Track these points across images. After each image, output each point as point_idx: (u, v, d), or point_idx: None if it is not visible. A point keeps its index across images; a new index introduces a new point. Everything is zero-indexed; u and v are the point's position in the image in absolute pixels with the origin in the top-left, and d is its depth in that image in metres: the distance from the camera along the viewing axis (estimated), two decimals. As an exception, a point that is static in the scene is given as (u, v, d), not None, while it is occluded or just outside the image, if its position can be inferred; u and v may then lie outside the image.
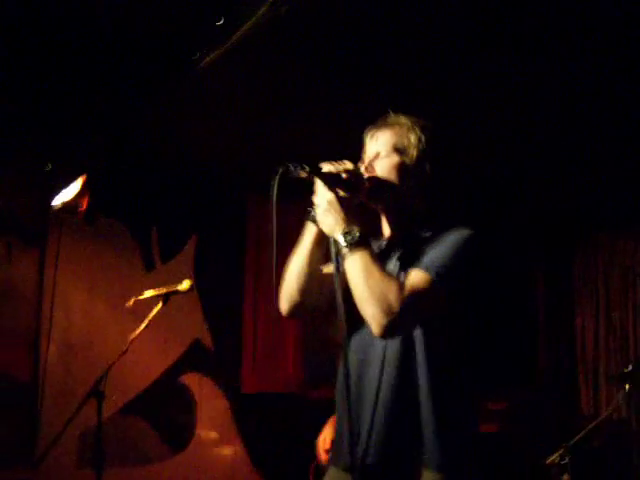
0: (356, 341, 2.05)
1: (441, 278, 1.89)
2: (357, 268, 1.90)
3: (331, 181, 1.99)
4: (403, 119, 2.16)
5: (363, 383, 2.02)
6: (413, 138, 2.11)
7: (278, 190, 1.91)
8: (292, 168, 1.93)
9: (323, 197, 1.98)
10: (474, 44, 3.52)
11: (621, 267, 5.84)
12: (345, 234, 1.93)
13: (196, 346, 5.28)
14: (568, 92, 4.03)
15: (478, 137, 4.68)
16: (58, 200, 4.31)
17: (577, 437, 4.03)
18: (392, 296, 1.83)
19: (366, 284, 1.87)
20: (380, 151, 2.12)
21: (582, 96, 4.08)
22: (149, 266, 5.17)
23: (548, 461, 4.13)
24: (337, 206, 1.95)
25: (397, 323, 1.85)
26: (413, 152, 2.10)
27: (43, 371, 4.56)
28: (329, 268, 2.10)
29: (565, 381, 6.01)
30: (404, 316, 1.84)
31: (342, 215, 1.95)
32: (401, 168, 2.09)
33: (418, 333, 1.97)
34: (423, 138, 2.11)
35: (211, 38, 3.33)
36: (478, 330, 2.09)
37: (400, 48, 3.55)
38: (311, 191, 2.04)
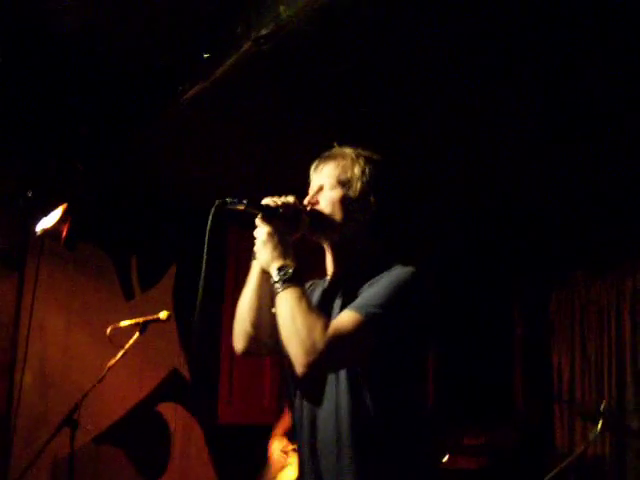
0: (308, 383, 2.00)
1: (371, 319, 1.81)
2: (285, 305, 1.85)
3: (268, 215, 1.95)
4: (347, 151, 2.11)
5: (318, 427, 1.97)
6: (357, 170, 2.06)
7: (212, 223, 1.96)
8: (229, 201, 1.93)
9: (260, 231, 1.96)
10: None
11: (597, 305, 5.89)
12: (278, 269, 1.89)
13: (173, 376, 5.26)
14: (540, 127, 4.08)
15: (455, 175, 4.74)
16: (39, 226, 4.31)
17: (551, 474, 4.05)
18: (316, 335, 1.77)
19: (292, 322, 1.81)
20: (323, 184, 2.08)
21: (562, 137, 4.14)
22: (128, 294, 5.17)
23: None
24: (273, 240, 1.92)
25: (319, 362, 1.78)
26: (357, 185, 2.05)
27: (17, 399, 4.52)
28: None
29: (541, 417, 6.03)
30: (327, 355, 1.77)
31: (277, 250, 1.92)
32: (344, 201, 2.04)
33: (357, 374, 1.91)
34: (367, 170, 2.06)
35: (196, 71, 3.39)
36: (422, 368, 2.06)
37: (379, 86, 3.61)
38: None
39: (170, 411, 5.21)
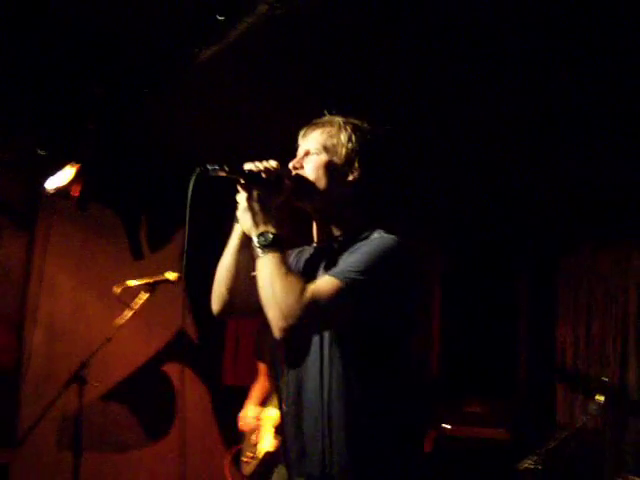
0: (292, 354, 2.03)
1: (350, 284, 1.82)
2: (265, 270, 1.86)
3: (250, 180, 1.94)
4: (336, 118, 2.11)
5: (302, 389, 2.00)
6: (343, 137, 2.06)
7: (193, 190, 1.95)
8: (210, 167, 1.92)
9: (242, 197, 1.95)
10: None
11: (603, 280, 5.89)
12: (259, 235, 1.89)
13: (180, 337, 5.30)
14: (552, 102, 4.06)
15: (462, 150, 4.73)
16: (50, 185, 4.32)
17: (551, 444, 4.08)
18: (292, 299, 1.78)
19: (271, 286, 1.82)
20: (309, 149, 2.08)
21: (566, 107, 4.12)
22: (137, 255, 5.20)
23: (522, 467, 4.19)
24: (254, 207, 1.92)
25: (295, 326, 1.79)
26: (342, 151, 2.05)
27: (27, 355, 4.57)
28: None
29: (543, 390, 6.07)
30: (304, 319, 1.79)
31: (259, 216, 1.91)
32: (328, 167, 2.04)
33: (342, 339, 1.93)
34: (353, 137, 2.05)
35: (211, 34, 3.37)
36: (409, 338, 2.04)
37: (395, 53, 3.59)
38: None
39: (176, 371, 5.26)
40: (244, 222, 1.96)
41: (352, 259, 1.89)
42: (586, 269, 6.03)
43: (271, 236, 1.88)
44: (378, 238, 1.96)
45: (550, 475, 4.27)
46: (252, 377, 5.31)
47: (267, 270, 1.85)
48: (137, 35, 3.57)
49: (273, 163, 1.98)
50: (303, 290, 1.80)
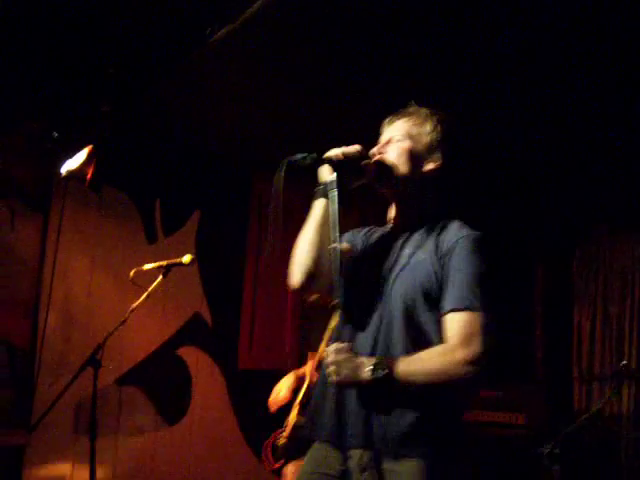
0: (357, 318, 2.05)
1: (482, 306, 1.93)
2: (411, 380, 1.91)
3: (337, 166, 2.02)
4: (423, 109, 2.18)
5: None
6: (428, 126, 2.14)
7: (283, 181, 1.96)
8: (299, 157, 1.99)
9: (329, 357, 1.93)
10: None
11: (620, 265, 5.84)
12: (372, 374, 1.89)
13: (195, 320, 5.30)
14: (572, 93, 4.03)
15: (483, 133, 4.68)
16: (64, 168, 4.31)
17: (569, 429, 4.05)
18: (457, 356, 1.89)
19: (435, 377, 1.91)
20: (393, 136, 2.15)
21: (585, 98, 4.08)
22: (152, 238, 5.19)
23: (540, 451, 4.16)
24: (344, 358, 1.91)
25: (481, 366, 1.90)
26: (425, 139, 2.13)
27: (42, 338, 4.58)
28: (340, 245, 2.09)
29: (560, 375, 6.03)
30: (482, 358, 1.89)
31: (353, 363, 1.91)
32: (411, 153, 2.11)
33: (418, 323, 1.99)
34: (439, 127, 2.14)
35: (224, 14, 3.32)
36: None
37: (415, 39, 3.53)
38: (316, 174, 2.09)
39: (191, 355, 5.26)
40: (345, 373, 1.92)
41: (460, 281, 1.96)
42: (602, 255, 5.97)
43: (385, 370, 1.89)
44: (473, 240, 2.03)
45: (568, 460, 4.24)
46: (267, 361, 5.32)
47: (414, 378, 1.91)
48: (150, 16, 3.52)
49: (356, 147, 2.06)
50: (448, 346, 1.91)
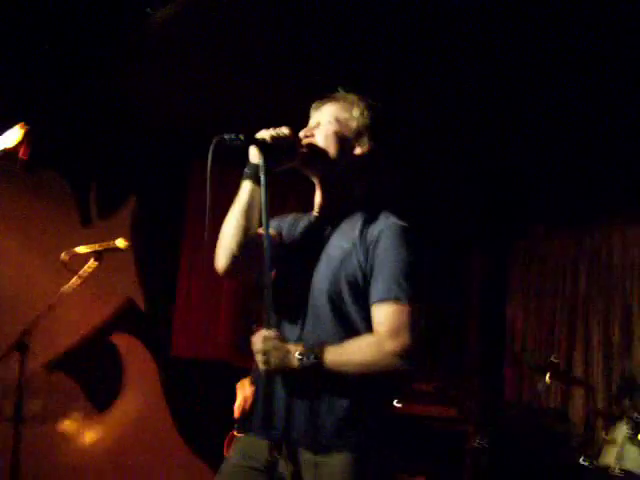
0: (282, 308, 2.03)
1: (409, 297, 1.93)
2: (339, 369, 1.91)
3: (265, 148, 2.00)
4: (350, 95, 2.18)
5: None
6: (355, 112, 2.14)
7: (213, 159, 1.95)
8: (227, 137, 1.96)
9: (257, 344, 1.92)
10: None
11: (555, 259, 5.96)
12: (300, 361, 1.89)
13: (128, 306, 5.22)
14: (526, 88, 4.07)
15: (430, 124, 4.71)
16: (-1, 146, 4.17)
17: (497, 422, 4.13)
18: (387, 347, 1.90)
19: (359, 366, 1.92)
20: (321, 120, 2.15)
21: (536, 94, 4.13)
22: (86, 221, 5.09)
23: (470, 445, 4.23)
24: (272, 345, 1.91)
25: (412, 358, 1.91)
26: (353, 124, 2.13)
27: (-33, 321, 4.45)
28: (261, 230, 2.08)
29: (491, 369, 6.13)
30: (412, 350, 1.90)
31: (281, 351, 1.91)
32: (339, 137, 2.11)
33: (344, 314, 1.99)
34: (366, 113, 2.14)
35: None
36: None
37: (363, 23, 3.52)
38: (246, 155, 2.07)
39: (124, 341, 5.19)
40: (273, 360, 1.91)
41: (389, 272, 1.96)
42: (538, 249, 6.09)
43: (313, 358, 1.89)
44: (398, 229, 2.02)
45: (497, 453, 4.32)
46: (201, 350, 5.24)
47: (342, 367, 1.91)
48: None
49: (286, 130, 2.05)
50: (379, 336, 1.92)
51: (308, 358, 1.89)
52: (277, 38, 3.74)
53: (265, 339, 1.91)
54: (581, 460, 4.00)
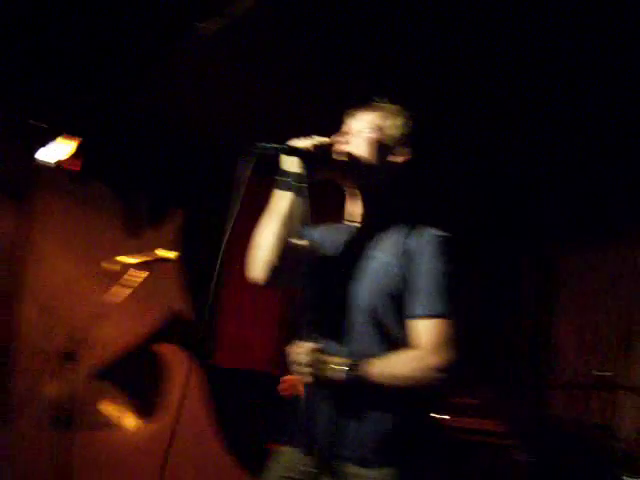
0: (323, 321, 2.01)
1: (449, 311, 1.93)
2: (381, 381, 1.90)
3: (302, 156, 1.98)
4: (390, 104, 2.17)
5: None
6: (396, 120, 2.13)
7: (252, 168, 1.93)
8: (263, 145, 1.95)
9: (304, 350, 1.91)
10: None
11: (605, 274, 5.86)
12: (344, 372, 1.89)
13: (174, 316, 5.26)
14: (566, 104, 4.04)
15: (475, 140, 4.69)
16: (49, 158, 4.27)
17: (543, 436, 4.07)
18: (429, 361, 1.89)
19: (399, 378, 1.90)
20: (361, 129, 2.11)
21: (586, 104, 4.09)
22: (134, 233, 5.15)
23: (514, 459, 4.17)
24: (320, 356, 1.91)
25: (451, 372, 1.90)
26: (392, 132, 2.11)
27: (18, 330, 4.53)
28: (300, 241, 2.06)
29: (541, 383, 6.05)
30: (452, 365, 1.90)
31: (326, 363, 1.90)
32: (377, 146, 2.09)
33: (384, 327, 1.98)
34: (404, 122, 2.13)
35: (214, 8, 3.31)
36: None
37: (406, 37, 3.52)
38: (282, 164, 2.03)
39: (170, 351, 5.23)
40: (321, 372, 1.91)
41: (425, 288, 1.95)
42: (587, 266, 6.00)
43: (357, 371, 1.89)
44: (437, 240, 2.00)
45: (542, 467, 4.25)
46: (245, 360, 5.27)
47: (384, 379, 1.90)
48: (140, 6, 3.48)
49: (323, 139, 2.03)
50: (420, 351, 1.91)
51: (352, 371, 1.88)
52: (320, 52, 3.77)
53: (308, 352, 1.90)
54: (625, 476, 3.93)
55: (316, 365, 1.89)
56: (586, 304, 5.95)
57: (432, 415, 2.21)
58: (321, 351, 1.92)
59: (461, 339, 1.96)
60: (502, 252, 6.11)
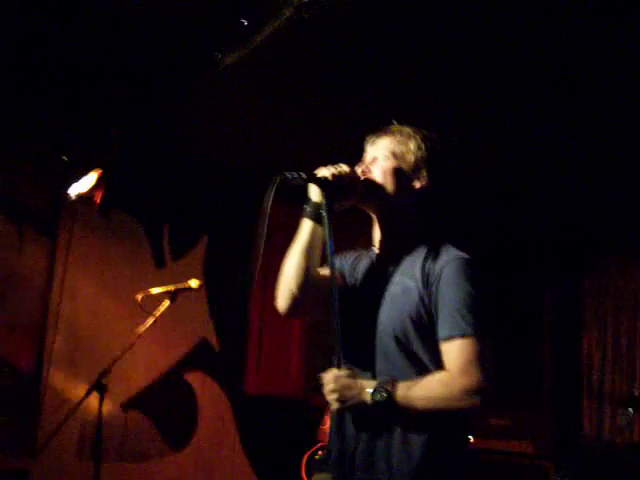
0: (351, 348, 1.99)
1: (476, 331, 1.90)
2: (410, 406, 1.89)
3: (326, 186, 2.00)
4: (405, 128, 2.16)
5: None
6: (412, 145, 2.11)
7: (274, 198, 1.95)
8: (289, 176, 1.96)
9: (329, 385, 1.91)
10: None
11: (631, 291, 5.81)
12: (373, 397, 1.88)
13: (201, 345, 5.27)
14: (583, 115, 4.02)
15: (491, 160, 4.68)
16: (73, 191, 4.32)
17: (577, 457, 4.02)
18: (457, 385, 1.87)
19: (436, 403, 1.89)
20: (378, 155, 2.13)
21: (602, 120, 4.08)
22: (159, 262, 5.18)
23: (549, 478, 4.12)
24: (344, 384, 1.90)
25: (483, 394, 1.87)
26: (411, 158, 2.10)
27: (47, 361, 4.56)
28: (325, 270, 2.07)
29: (569, 403, 5.98)
30: (483, 386, 1.87)
31: (355, 388, 1.90)
32: (397, 172, 2.09)
33: (411, 353, 1.97)
34: (423, 146, 2.11)
35: (234, 39, 3.34)
36: None
37: (425, 59, 3.54)
38: (306, 192, 2.07)
39: (198, 380, 5.23)
40: (349, 400, 1.91)
41: (454, 307, 1.93)
42: (612, 281, 5.95)
43: (385, 394, 1.88)
44: (460, 263, 1.99)
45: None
46: (274, 386, 5.26)
47: (413, 404, 1.89)
48: (161, 39, 3.54)
49: (345, 167, 2.04)
50: (448, 375, 1.89)
51: (380, 394, 1.87)
52: (338, 78, 3.80)
53: (337, 378, 1.90)
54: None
55: (345, 390, 1.89)
56: (613, 320, 5.90)
57: (468, 438, 2.16)
58: (351, 376, 1.91)
59: (493, 359, 1.96)
60: (524, 277, 6.08)
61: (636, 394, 4.14)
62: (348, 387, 1.90)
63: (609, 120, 4.06)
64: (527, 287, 6.13)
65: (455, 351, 1.90)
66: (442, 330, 1.93)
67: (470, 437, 4.67)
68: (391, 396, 1.87)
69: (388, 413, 1.89)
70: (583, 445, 4.98)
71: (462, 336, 1.90)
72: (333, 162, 2.09)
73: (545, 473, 4.46)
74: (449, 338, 1.91)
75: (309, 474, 3.96)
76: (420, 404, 1.88)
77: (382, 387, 1.88)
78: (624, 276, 5.90)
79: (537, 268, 6.17)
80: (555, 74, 3.60)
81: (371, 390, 1.88)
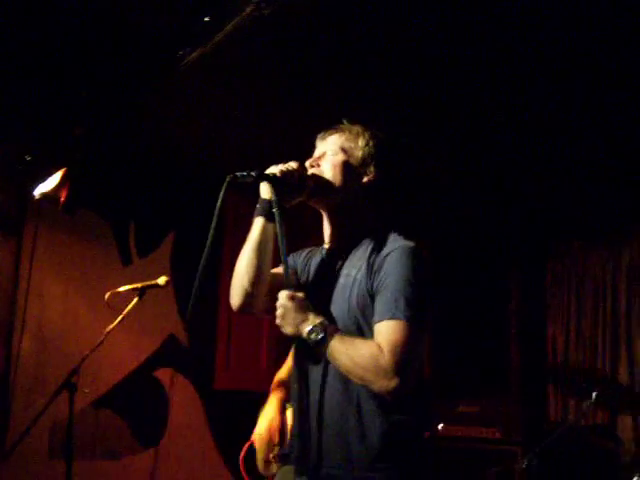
0: (307, 343, 2.01)
1: (408, 318, 1.91)
2: (338, 356, 1.92)
3: (276, 183, 2.05)
4: (355, 126, 2.22)
5: (309, 387, 2.06)
6: (360, 141, 2.17)
7: (224, 198, 2.01)
8: (239, 175, 2.02)
9: (280, 300, 1.98)
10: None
11: (593, 278, 5.91)
12: (309, 332, 1.93)
13: (170, 341, 5.28)
14: (546, 102, 4.08)
15: (452, 145, 4.73)
16: (38, 190, 4.30)
17: (544, 443, 4.09)
18: (382, 362, 1.87)
19: (354, 364, 1.90)
20: (327, 150, 2.18)
21: (562, 106, 4.14)
22: (126, 260, 5.17)
23: (515, 466, 4.18)
24: (293, 305, 1.96)
25: (399, 382, 1.87)
26: (358, 153, 2.16)
27: (15, 362, 4.54)
28: (279, 269, 2.12)
29: (535, 389, 6.07)
30: (402, 371, 1.87)
31: (300, 313, 1.96)
32: (345, 166, 2.14)
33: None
34: (371, 142, 2.18)
35: (196, 36, 3.35)
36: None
37: (381, 54, 3.58)
38: (259, 189, 2.12)
39: (167, 376, 5.24)
40: (288, 324, 1.97)
41: (392, 291, 1.94)
42: (575, 267, 6.04)
43: (319, 326, 1.93)
44: (402, 251, 2.01)
45: (546, 473, 4.27)
46: (244, 381, 5.28)
47: (340, 355, 1.92)
48: (121, 38, 3.53)
49: (294, 164, 2.10)
50: (379, 349, 1.88)
51: (316, 333, 1.92)
52: (300, 75, 3.83)
53: (290, 297, 1.96)
54: (635, 479, 3.94)
55: (289, 313, 1.96)
56: (578, 306, 6.00)
57: (429, 428, 2.19)
58: (304, 305, 1.97)
59: (423, 353, 2.01)
60: (490, 258, 6.15)
61: (599, 376, 4.22)
62: (295, 311, 1.95)
63: (568, 104, 4.12)
64: (491, 274, 6.20)
65: (383, 332, 1.92)
66: (376, 313, 1.96)
67: (440, 425, 4.75)
68: (324, 340, 1.91)
69: (317, 351, 1.95)
70: (549, 428, 5.06)
71: (393, 318, 1.91)
72: (295, 158, 2.14)
73: (513, 457, 4.53)
74: (381, 320, 1.93)
75: (249, 471, 3.98)
76: (343, 360, 1.92)
77: (321, 329, 1.93)
78: (586, 261, 5.99)
79: (501, 255, 6.24)
80: (507, 57, 3.65)
81: (310, 327, 1.93)
